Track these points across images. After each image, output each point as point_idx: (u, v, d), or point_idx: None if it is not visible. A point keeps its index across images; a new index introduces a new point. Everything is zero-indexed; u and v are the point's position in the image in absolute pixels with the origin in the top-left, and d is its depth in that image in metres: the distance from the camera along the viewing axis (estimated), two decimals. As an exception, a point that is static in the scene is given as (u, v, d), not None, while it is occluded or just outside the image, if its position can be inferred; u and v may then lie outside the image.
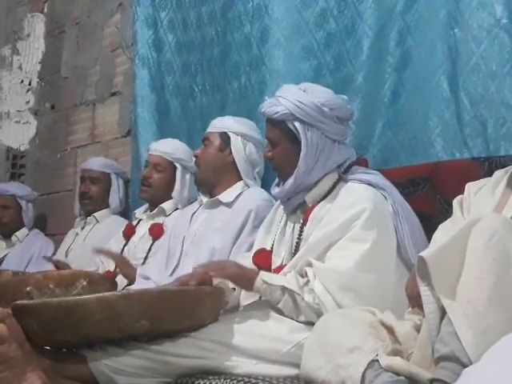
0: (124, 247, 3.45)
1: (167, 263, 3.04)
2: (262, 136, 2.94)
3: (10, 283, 3.01)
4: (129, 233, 3.50)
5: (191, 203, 3.30)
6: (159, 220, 3.41)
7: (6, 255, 4.25)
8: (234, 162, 3.02)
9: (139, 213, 3.55)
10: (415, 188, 2.45)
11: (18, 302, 2.02)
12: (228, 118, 3.08)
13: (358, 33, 2.80)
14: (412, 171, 2.50)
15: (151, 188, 3.45)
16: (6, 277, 3.37)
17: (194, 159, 3.14)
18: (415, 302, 1.72)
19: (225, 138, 3.02)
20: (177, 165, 3.42)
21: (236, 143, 3.02)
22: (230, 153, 3.02)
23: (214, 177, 3.02)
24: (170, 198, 3.42)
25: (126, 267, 3.21)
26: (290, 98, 2.28)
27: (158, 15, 3.75)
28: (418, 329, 1.74)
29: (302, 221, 2.31)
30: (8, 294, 2.44)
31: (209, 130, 3.06)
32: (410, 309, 1.84)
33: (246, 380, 1.87)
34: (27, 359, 1.95)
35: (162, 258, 3.11)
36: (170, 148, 3.43)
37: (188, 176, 3.40)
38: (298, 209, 2.36)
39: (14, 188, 4.41)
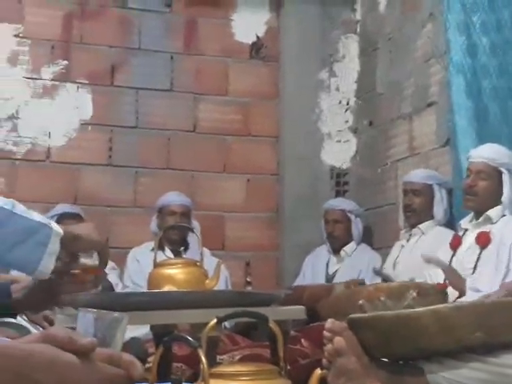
0: (452, 258, 3.43)
1: (497, 273, 2.97)
2: None
3: (343, 296, 3.15)
4: (456, 243, 3.47)
5: None
6: (485, 228, 3.34)
7: (337, 270, 4.44)
8: None
9: (464, 223, 3.49)
10: None
11: (353, 315, 2.10)
12: None
13: None
14: None
15: (477, 197, 3.39)
16: (338, 290, 3.53)
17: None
18: None
19: None
20: (502, 169, 3.32)
21: None
22: None
23: None
24: (496, 204, 3.32)
25: (455, 278, 3.18)
26: None
27: (469, 19, 3.69)
28: None
29: None
30: (341, 307, 2.55)
31: None
32: None
33: None
34: (365, 371, 2.01)
35: (492, 267, 3.05)
36: (493, 153, 3.35)
37: None
38: None
39: (342, 203, 4.60)
